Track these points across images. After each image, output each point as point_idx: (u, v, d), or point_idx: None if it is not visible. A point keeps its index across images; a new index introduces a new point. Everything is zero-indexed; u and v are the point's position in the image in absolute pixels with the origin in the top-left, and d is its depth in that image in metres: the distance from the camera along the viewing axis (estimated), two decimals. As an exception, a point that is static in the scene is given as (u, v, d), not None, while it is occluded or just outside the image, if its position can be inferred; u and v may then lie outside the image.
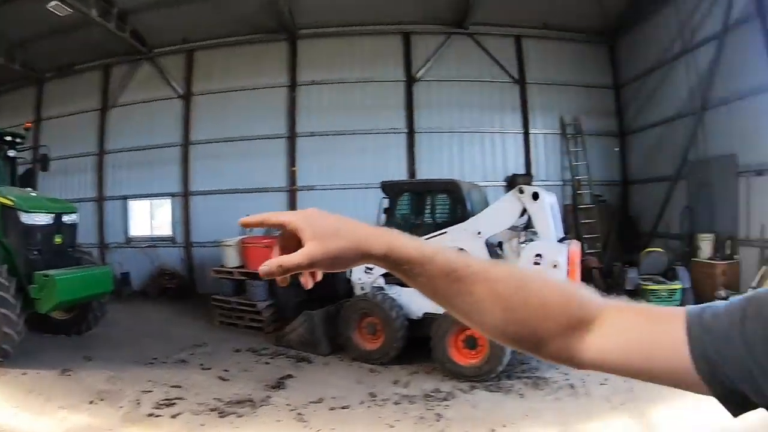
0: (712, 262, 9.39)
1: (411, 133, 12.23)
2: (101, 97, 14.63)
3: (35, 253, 8.01)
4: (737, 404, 0.70)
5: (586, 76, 13.15)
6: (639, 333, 0.77)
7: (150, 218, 14.05)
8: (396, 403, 5.58)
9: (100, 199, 13.71)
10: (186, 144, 13.42)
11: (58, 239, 8.38)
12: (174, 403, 5.53)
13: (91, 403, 5.52)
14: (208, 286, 12.00)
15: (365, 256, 0.83)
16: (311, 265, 0.82)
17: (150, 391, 5.86)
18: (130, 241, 13.78)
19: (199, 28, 13.07)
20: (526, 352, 0.88)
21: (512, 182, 11.04)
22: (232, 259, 10.17)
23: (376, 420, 5.15)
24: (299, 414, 5.25)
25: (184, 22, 12.84)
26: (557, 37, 12.04)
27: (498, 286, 0.82)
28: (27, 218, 7.91)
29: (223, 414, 5.27)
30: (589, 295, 0.85)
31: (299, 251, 0.81)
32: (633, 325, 0.78)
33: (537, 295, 0.83)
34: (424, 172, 11.77)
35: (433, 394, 5.86)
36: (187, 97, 13.55)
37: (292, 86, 12.78)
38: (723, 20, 9.60)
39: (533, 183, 11.01)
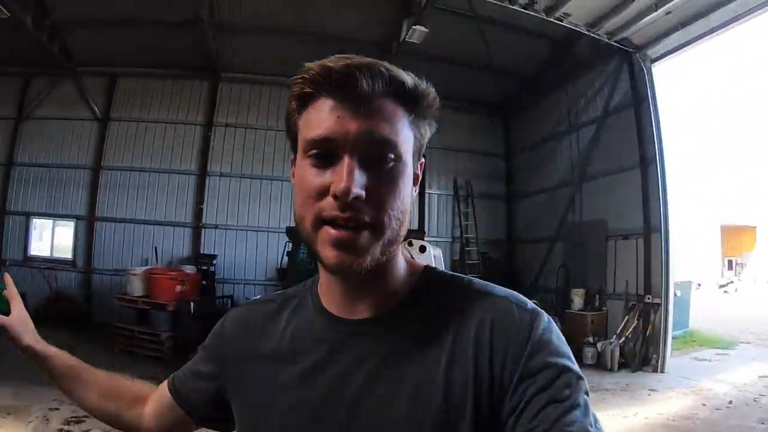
0: (583, 312, 11.14)
1: None
2: (17, 106, 14.22)
3: None
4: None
5: (479, 144, 14.71)
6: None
7: (51, 239, 13.92)
8: None
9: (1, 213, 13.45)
10: (98, 168, 13.52)
11: None
12: (83, 420, 5.91)
13: None
14: (106, 314, 12.04)
15: (18, 345, 1.23)
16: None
17: (57, 409, 6.20)
18: (27, 261, 13.47)
19: (125, 55, 13.26)
20: (111, 425, 1.27)
21: (406, 237, 12.06)
22: (137, 287, 10.47)
23: None
24: None
25: (112, 45, 12.92)
26: (457, 107, 13.19)
27: (92, 385, 1.24)
28: None
29: None
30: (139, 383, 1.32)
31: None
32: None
33: (112, 385, 1.26)
34: None
35: None
36: (104, 121, 13.69)
37: (209, 125, 13.39)
38: (603, 107, 11.58)
39: (426, 238, 11.76)
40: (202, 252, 12.74)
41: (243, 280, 12.99)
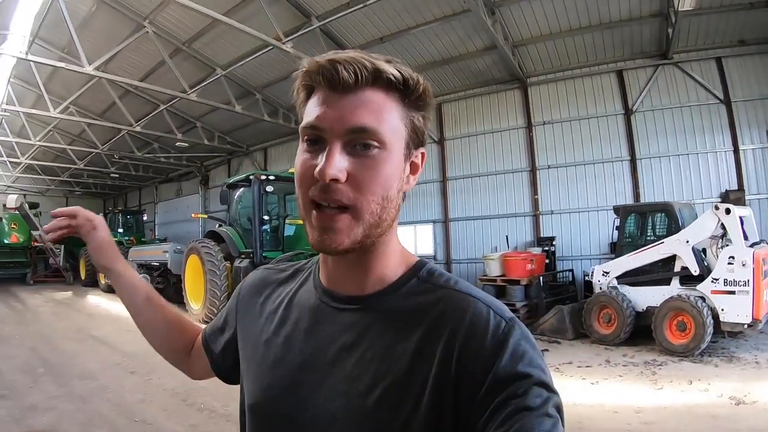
0: None
1: (633, 161, 13.61)
2: None
3: None
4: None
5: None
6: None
7: (414, 240, 17.89)
8: (624, 365, 8.23)
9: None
10: (443, 180, 17.15)
11: None
12: None
13: None
14: None
15: (99, 265, 1.42)
16: (86, 224, 1.41)
17: None
18: None
19: (444, 85, 16.71)
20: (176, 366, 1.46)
21: (725, 198, 12.05)
22: (494, 269, 13.07)
23: (610, 373, 7.88)
24: (556, 369, 8.16)
25: (431, 82, 16.17)
26: (756, 51, 12.35)
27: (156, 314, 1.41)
28: None
29: None
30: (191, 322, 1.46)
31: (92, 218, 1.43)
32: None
33: (178, 318, 1.45)
34: (647, 194, 13.22)
35: (650, 361, 8.37)
36: (441, 143, 17.29)
37: (528, 127, 15.42)
38: None
39: (746, 197, 12.01)
40: (542, 235, 14.83)
41: (579, 256, 14.32)
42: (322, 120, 0.92)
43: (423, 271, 1.05)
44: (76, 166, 28.89)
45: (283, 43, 12.53)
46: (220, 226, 14.29)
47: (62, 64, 14.29)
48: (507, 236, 15.20)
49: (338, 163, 0.90)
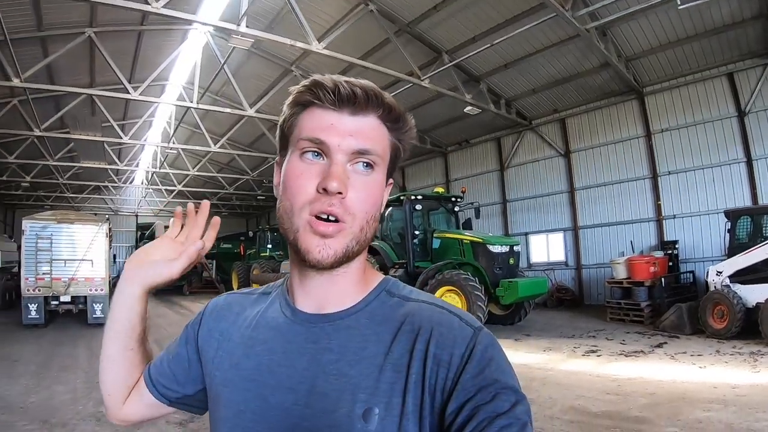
0: None
1: (749, 162, 14.33)
2: (498, 160, 21.52)
3: (498, 269, 13.26)
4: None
5: None
6: None
7: (546, 248, 19.76)
8: (731, 355, 9.60)
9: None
10: (571, 191, 18.69)
11: (511, 261, 13.61)
12: (594, 351, 10.51)
13: (544, 351, 10.97)
14: (594, 297, 17.06)
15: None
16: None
17: (578, 347, 10.99)
18: (530, 266, 19.66)
19: (565, 101, 18.34)
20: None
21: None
22: (620, 272, 14.45)
23: (717, 360, 9.24)
24: (672, 357, 9.68)
25: (553, 99, 18.36)
26: None
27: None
28: (493, 248, 13.25)
29: (628, 355, 9.96)
30: None
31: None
32: None
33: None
34: (766, 196, 13.66)
35: (755, 352, 9.65)
36: (567, 155, 18.83)
37: (647, 135, 16.44)
38: None
39: None
40: (665, 239, 15.84)
41: (702, 258, 15.00)
42: (330, 135, 0.96)
43: (390, 286, 1.10)
44: (225, 191, 33.28)
45: (421, 80, 15.06)
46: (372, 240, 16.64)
47: (228, 110, 17.90)
48: (632, 241, 16.45)
49: (343, 179, 0.95)
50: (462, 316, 1.01)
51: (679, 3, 10.90)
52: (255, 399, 1.02)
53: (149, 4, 10.64)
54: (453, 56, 15.88)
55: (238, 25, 12.00)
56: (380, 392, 0.93)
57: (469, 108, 17.66)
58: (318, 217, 0.96)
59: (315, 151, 0.98)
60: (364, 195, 0.98)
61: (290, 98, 1.04)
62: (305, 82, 1.01)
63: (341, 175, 0.95)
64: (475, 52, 14.35)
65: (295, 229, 0.98)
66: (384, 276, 1.14)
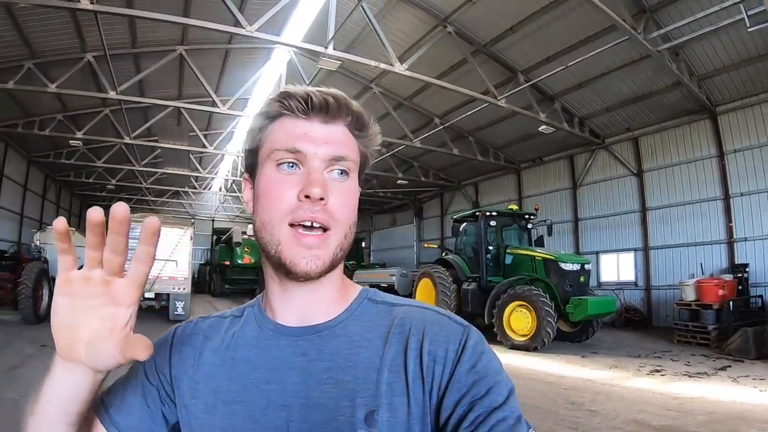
0: None
1: None
2: (570, 178, 21.89)
3: (569, 287, 13.52)
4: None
5: None
6: None
7: (617, 267, 19.90)
8: None
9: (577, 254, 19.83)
10: (643, 210, 18.80)
11: (582, 279, 13.87)
12: (659, 370, 10.77)
13: (610, 368, 11.53)
14: (662, 319, 17.14)
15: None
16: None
17: (643, 366, 11.29)
18: (600, 285, 19.71)
19: (638, 120, 18.49)
20: None
21: None
22: (689, 294, 14.52)
23: None
24: (734, 380, 9.88)
25: (625, 118, 18.58)
26: None
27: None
28: (565, 266, 13.59)
29: (691, 376, 10.19)
30: None
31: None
32: None
33: None
34: None
35: None
36: (639, 174, 18.96)
37: (720, 156, 16.28)
38: None
39: None
40: (736, 262, 15.68)
41: None
42: (305, 144, 0.97)
43: (371, 294, 1.11)
44: (302, 201, 35.32)
45: (498, 99, 15.77)
46: (446, 254, 17.65)
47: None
48: (701, 263, 16.44)
49: (325, 185, 0.95)
50: (451, 316, 1.04)
51: (748, 25, 11.04)
52: (244, 422, 0.99)
53: (243, 28, 11.82)
54: (528, 76, 16.56)
55: (326, 47, 13.01)
56: (380, 394, 0.94)
57: (543, 127, 18.12)
58: (302, 226, 0.95)
59: (290, 162, 0.98)
60: (344, 201, 0.99)
61: (257, 113, 1.05)
62: (283, 93, 1.02)
63: (323, 182, 0.96)
64: (550, 73, 14.91)
65: (276, 241, 0.97)
66: (362, 286, 1.14)
